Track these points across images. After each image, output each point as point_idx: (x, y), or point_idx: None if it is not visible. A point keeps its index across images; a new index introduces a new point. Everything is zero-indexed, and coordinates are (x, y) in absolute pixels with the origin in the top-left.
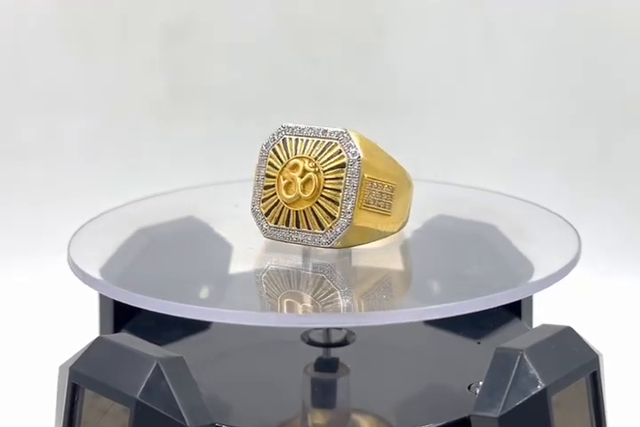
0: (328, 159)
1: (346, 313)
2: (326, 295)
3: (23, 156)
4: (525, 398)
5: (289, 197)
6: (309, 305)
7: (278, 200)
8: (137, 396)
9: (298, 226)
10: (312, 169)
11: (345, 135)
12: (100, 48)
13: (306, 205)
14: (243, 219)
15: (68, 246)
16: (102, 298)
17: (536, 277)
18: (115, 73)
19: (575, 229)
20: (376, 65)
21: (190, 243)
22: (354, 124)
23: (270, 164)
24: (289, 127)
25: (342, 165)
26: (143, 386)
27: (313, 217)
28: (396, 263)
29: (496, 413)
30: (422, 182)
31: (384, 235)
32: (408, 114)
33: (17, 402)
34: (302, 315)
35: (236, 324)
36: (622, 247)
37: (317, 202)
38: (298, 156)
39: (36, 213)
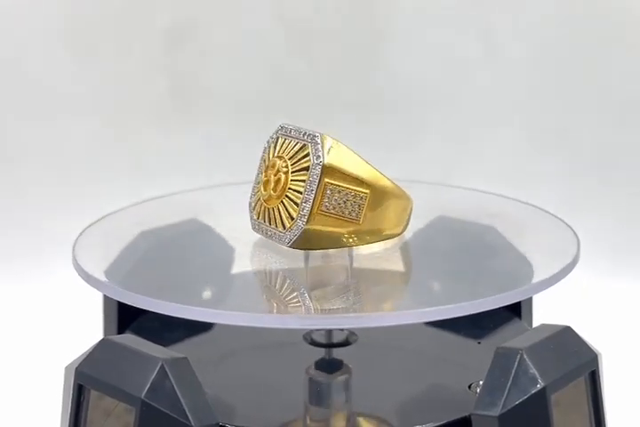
0: (298, 161)
1: (348, 314)
2: (323, 297)
3: (25, 158)
4: (525, 397)
5: (264, 193)
6: (310, 306)
7: (260, 196)
8: (142, 396)
9: (270, 223)
10: (284, 169)
11: (316, 139)
12: (102, 50)
13: (275, 204)
14: (245, 221)
15: (73, 248)
16: (106, 300)
17: (536, 278)
18: (116, 75)
19: (574, 231)
20: (376, 66)
21: (193, 245)
22: (353, 126)
23: (264, 160)
24: (284, 127)
25: (307, 168)
26: (148, 386)
27: (278, 216)
28: (397, 265)
29: (496, 412)
30: (422, 184)
31: (363, 241)
32: (408, 115)
33: (22, 403)
34: (304, 316)
35: (238, 325)
36: (622, 249)
37: (282, 201)
38: (278, 155)
39: (39, 215)
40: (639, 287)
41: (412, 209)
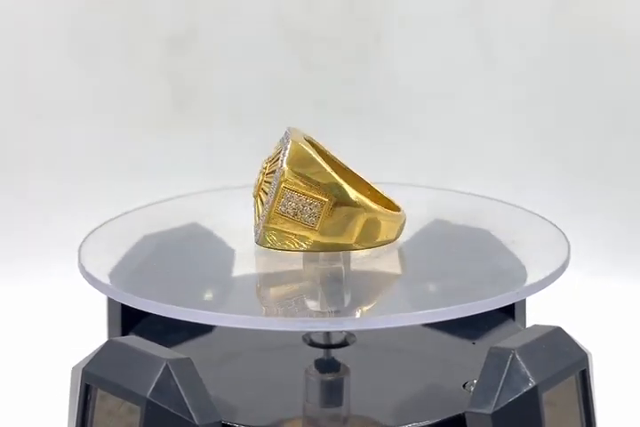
0: (273, 164)
1: (345, 317)
2: (322, 300)
3: (27, 161)
4: (517, 396)
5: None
6: (309, 309)
7: None
8: (147, 395)
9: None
10: (263, 170)
11: (287, 144)
12: (103, 56)
13: (255, 202)
14: (245, 224)
15: (79, 252)
16: (110, 302)
17: (528, 282)
18: (117, 81)
19: (564, 234)
20: (374, 71)
21: (195, 249)
22: (352, 131)
23: None
24: (286, 131)
25: (274, 171)
26: (153, 386)
27: (255, 213)
28: (393, 268)
29: (489, 409)
30: (418, 188)
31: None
32: (406, 120)
33: (29, 404)
34: (302, 319)
35: (239, 327)
36: (616, 250)
37: (256, 200)
38: (268, 157)
39: (42, 218)
40: (631, 288)
41: (404, 222)
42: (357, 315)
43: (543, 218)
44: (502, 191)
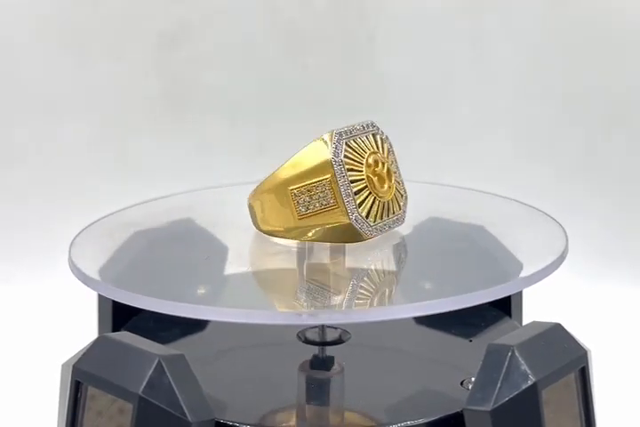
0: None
1: (338, 310)
2: (316, 294)
3: (20, 160)
4: (517, 393)
5: (382, 189)
6: (302, 303)
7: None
8: (139, 392)
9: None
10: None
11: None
12: (96, 52)
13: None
14: (238, 221)
15: (69, 249)
16: (101, 299)
17: (523, 274)
18: (110, 77)
19: (562, 227)
20: (367, 70)
21: (187, 245)
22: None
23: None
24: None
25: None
26: (145, 382)
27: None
28: (389, 264)
29: (488, 407)
30: (413, 183)
31: None
32: (398, 118)
33: (19, 401)
34: (295, 313)
35: (232, 323)
36: (611, 248)
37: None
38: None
39: (33, 217)
40: (626, 288)
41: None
42: (350, 308)
43: (539, 210)
44: (492, 189)
